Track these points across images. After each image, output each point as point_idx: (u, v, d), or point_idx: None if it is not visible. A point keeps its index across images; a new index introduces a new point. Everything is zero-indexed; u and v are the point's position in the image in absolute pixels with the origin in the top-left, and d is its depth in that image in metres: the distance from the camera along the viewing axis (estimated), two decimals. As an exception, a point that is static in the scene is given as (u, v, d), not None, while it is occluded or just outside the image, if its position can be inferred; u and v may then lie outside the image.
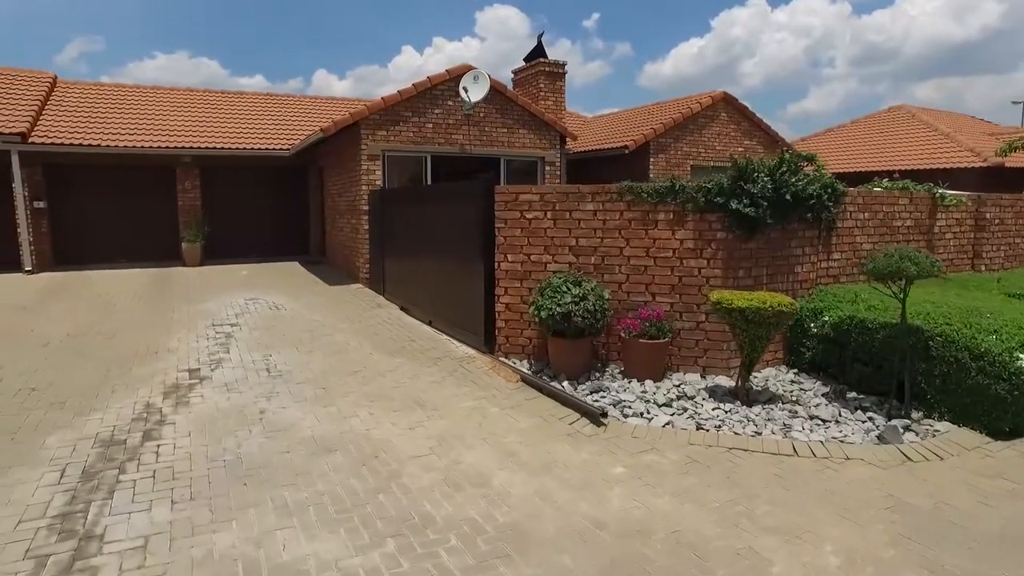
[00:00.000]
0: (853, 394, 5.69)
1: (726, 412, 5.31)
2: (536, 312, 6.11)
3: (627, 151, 15.09)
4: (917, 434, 4.86)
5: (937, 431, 4.90)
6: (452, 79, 11.95)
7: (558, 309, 5.88)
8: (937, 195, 7.99)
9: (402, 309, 9.42)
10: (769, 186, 6.06)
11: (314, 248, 16.65)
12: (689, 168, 15.84)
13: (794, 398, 5.65)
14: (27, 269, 13.32)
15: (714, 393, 5.74)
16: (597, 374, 6.21)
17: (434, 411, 5.29)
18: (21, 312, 9.23)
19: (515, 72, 16.31)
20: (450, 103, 12.08)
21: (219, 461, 4.29)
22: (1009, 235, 9.04)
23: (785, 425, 5.04)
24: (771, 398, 5.60)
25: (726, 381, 6.07)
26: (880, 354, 5.50)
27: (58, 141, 13.44)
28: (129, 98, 16.70)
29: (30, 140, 13.16)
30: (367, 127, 11.40)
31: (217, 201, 15.77)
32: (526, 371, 6.29)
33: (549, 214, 6.59)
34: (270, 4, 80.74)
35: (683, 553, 3.28)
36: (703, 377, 6.20)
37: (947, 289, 6.78)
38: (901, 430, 4.85)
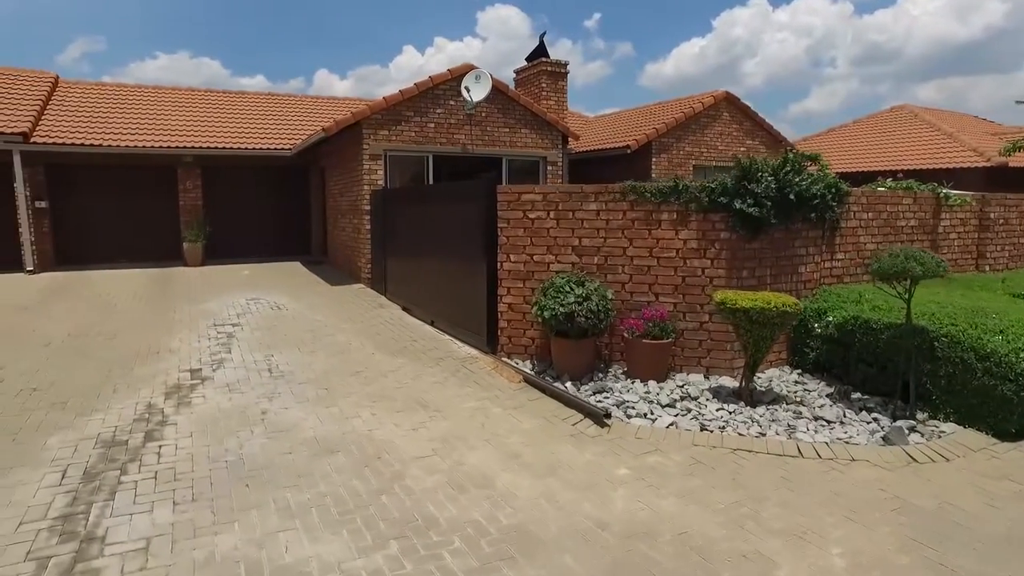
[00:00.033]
0: (857, 395, 5.67)
1: (730, 413, 5.28)
2: (539, 312, 6.09)
3: (629, 151, 15.07)
4: (922, 435, 4.83)
5: (943, 432, 4.87)
6: (454, 79, 11.93)
7: (561, 309, 5.86)
8: (941, 195, 7.96)
9: (404, 309, 9.40)
10: (773, 186, 6.03)
11: (316, 248, 16.64)
12: (691, 168, 15.81)
13: (798, 399, 5.62)
14: (29, 269, 13.31)
15: (718, 394, 5.71)
16: (600, 375, 6.19)
17: (437, 412, 5.27)
18: (23, 312, 9.22)
19: (517, 72, 16.27)
20: (452, 103, 12.06)
21: (221, 462, 4.27)
22: (1014, 235, 9.01)
23: (789, 426, 5.02)
24: (775, 399, 5.58)
25: (730, 382, 6.05)
26: (885, 355, 5.47)
27: (60, 141, 13.44)
28: (131, 98, 16.70)
29: (32, 140, 13.15)
30: (369, 127, 11.38)
31: (219, 201, 15.75)
32: (529, 371, 6.27)
33: (552, 214, 6.56)
34: (271, 4, 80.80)
35: (688, 555, 3.26)
36: (706, 378, 6.18)
37: (952, 289, 6.75)
38: (906, 431, 4.82)
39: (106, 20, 77.00)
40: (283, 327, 8.25)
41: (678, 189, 6.17)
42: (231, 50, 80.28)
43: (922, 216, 7.84)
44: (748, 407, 5.38)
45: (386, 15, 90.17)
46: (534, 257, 6.65)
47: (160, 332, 7.96)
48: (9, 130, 12.87)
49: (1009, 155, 13.17)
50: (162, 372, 6.29)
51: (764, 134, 16.94)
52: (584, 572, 3.11)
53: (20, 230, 13.31)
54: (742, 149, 16.24)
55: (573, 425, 5.02)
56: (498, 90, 12.37)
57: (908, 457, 4.42)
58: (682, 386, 5.89)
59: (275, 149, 15.47)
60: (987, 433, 4.77)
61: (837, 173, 9.76)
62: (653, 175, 15.03)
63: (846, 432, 4.91)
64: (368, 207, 11.45)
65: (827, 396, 5.71)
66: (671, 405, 5.44)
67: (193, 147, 14.74)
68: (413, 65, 71.76)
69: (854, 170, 17.48)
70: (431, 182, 12.19)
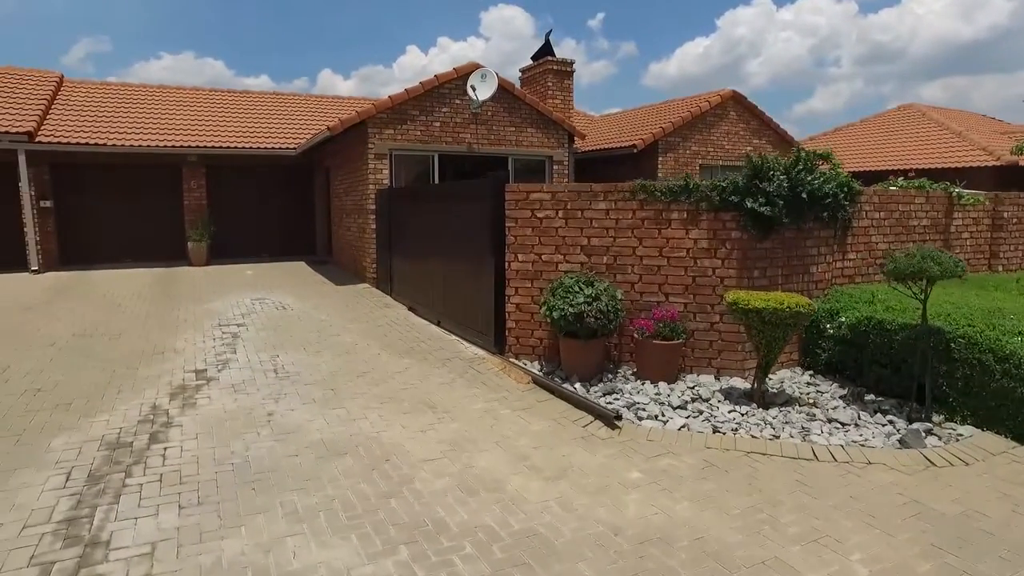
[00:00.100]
0: (871, 396, 5.58)
1: (742, 415, 5.20)
2: (548, 312, 6.01)
3: (635, 150, 14.98)
4: (940, 438, 4.74)
5: (960, 435, 4.77)
6: (460, 78, 11.86)
7: (570, 309, 5.78)
8: (954, 194, 7.86)
9: (410, 309, 9.33)
10: (785, 185, 5.95)
11: (320, 248, 16.59)
12: (698, 167, 15.71)
13: (811, 400, 5.54)
14: (33, 269, 13.29)
15: (729, 395, 5.63)
16: (609, 375, 6.11)
17: (445, 413, 5.20)
18: (27, 312, 9.18)
19: (523, 71, 16.20)
20: (457, 102, 11.99)
21: (227, 464, 4.20)
22: (1028, 235, 8.89)
23: (803, 428, 4.93)
24: (787, 400, 5.49)
25: (741, 383, 5.96)
26: (899, 356, 5.38)
27: (64, 140, 13.41)
28: (135, 97, 16.68)
29: (37, 139, 13.13)
30: (374, 126, 11.32)
31: (223, 200, 15.71)
32: (537, 372, 6.19)
33: (560, 213, 6.49)
34: (275, 4, 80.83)
35: (705, 562, 3.18)
36: (717, 379, 6.10)
37: (966, 289, 6.65)
38: (923, 434, 4.73)
39: (110, 21, 77.20)
40: (288, 327, 8.19)
41: (689, 188, 6.09)
42: (235, 50, 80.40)
43: (934, 215, 7.74)
44: (760, 409, 5.30)
45: (390, 15, 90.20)
46: (542, 257, 6.58)
47: (165, 332, 7.91)
48: (14, 129, 12.85)
49: (1020, 154, 13.05)
50: (167, 373, 6.23)
51: (771, 133, 16.83)
52: (599, 579, 3.04)
53: (25, 230, 13.29)
54: (749, 148, 16.12)
55: (583, 427, 4.94)
56: (504, 89, 12.30)
57: (926, 461, 4.34)
58: (693, 387, 5.81)
59: (280, 148, 15.42)
60: (1006, 436, 4.67)
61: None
62: (660, 175, 14.94)
63: (861, 435, 4.82)
64: (373, 207, 11.39)
65: (840, 398, 5.62)
66: (682, 407, 5.36)
67: (198, 146, 14.71)
68: (417, 65, 71.75)
69: (861, 169, 17.36)
70: (436, 181, 12.13)
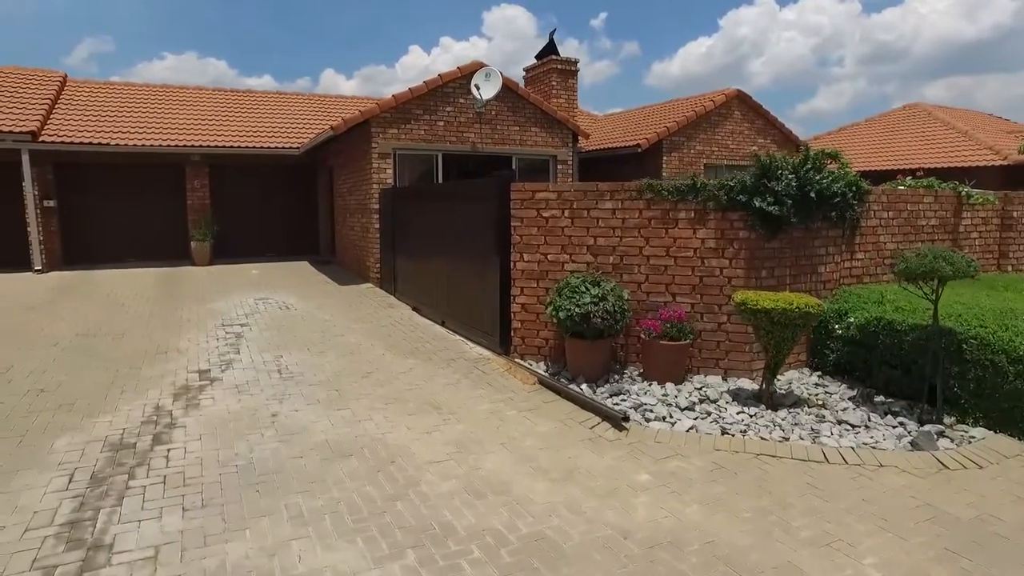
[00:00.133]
0: (880, 398, 5.52)
1: (751, 416, 5.15)
2: (554, 313, 5.96)
3: (640, 150, 14.92)
4: (952, 440, 4.68)
5: (973, 437, 4.71)
6: (464, 76, 11.81)
7: (577, 310, 5.73)
8: (963, 193, 7.80)
9: (414, 309, 9.29)
10: (794, 184, 5.89)
11: (324, 247, 16.56)
12: (703, 167, 15.64)
13: (820, 402, 5.48)
14: (37, 268, 13.28)
15: (737, 396, 5.57)
16: (616, 376, 6.06)
17: (450, 414, 5.15)
18: (31, 311, 9.16)
19: (527, 70, 16.15)
20: (462, 101, 11.95)
21: (231, 466, 4.16)
22: (1037, 235, 8.81)
23: (813, 430, 4.88)
24: (796, 402, 5.44)
25: (748, 384, 5.91)
26: (909, 357, 5.32)
27: (68, 140, 13.39)
28: (138, 97, 16.66)
29: (40, 139, 13.11)
30: (378, 125, 11.28)
31: (226, 200, 15.69)
32: (543, 373, 6.14)
33: (567, 212, 6.44)
34: (277, 5, 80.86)
35: (716, 566, 3.12)
36: (724, 380, 6.04)
37: (976, 290, 6.58)
38: (935, 436, 4.67)
39: (113, 21, 77.33)
40: (292, 327, 8.16)
41: (696, 187, 6.04)
42: (238, 50, 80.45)
43: (943, 215, 7.68)
44: (769, 410, 5.25)
45: (392, 15, 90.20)
46: (548, 256, 6.53)
47: (168, 332, 7.88)
48: (18, 129, 12.84)
49: (1028, 153, 12.95)
50: (170, 373, 6.19)
51: (776, 132, 16.76)
52: (609, 584, 2.99)
53: (28, 229, 13.27)
54: (754, 148, 16.06)
55: (590, 428, 4.89)
56: (508, 88, 12.25)
57: (938, 463, 4.28)
58: (700, 388, 5.76)
59: (283, 148, 15.39)
60: (1020, 439, 4.61)
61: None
62: (664, 174, 14.88)
63: (872, 437, 4.76)
64: (377, 206, 11.35)
65: (849, 399, 5.56)
66: (690, 408, 5.31)
67: (201, 146, 14.68)
68: (419, 65, 71.71)
69: (867, 169, 17.26)
70: (440, 181, 12.09)
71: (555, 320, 6.01)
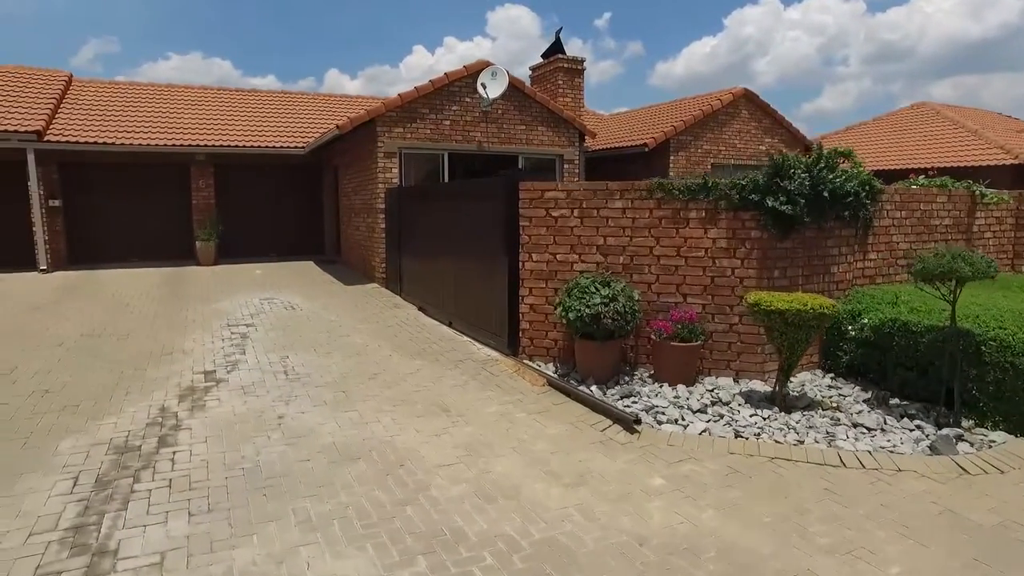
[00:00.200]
0: (896, 400, 5.43)
1: (764, 419, 5.06)
2: (563, 313, 5.88)
3: (647, 149, 14.83)
4: (972, 444, 4.59)
5: (992, 442, 4.62)
6: (470, 75, 11.74)
7: (587, 310, 5.65)
8: (977, 192, 7.69)
9: (420, 309, 9.22)
10: (807, 183, 5.81)
11: (329, 247, 16.51)
12: (710, 166, 15.54)
13: (835, 404, 5.39)
14: (42, 268, 13.26)
15: (750, 398, 5.49)
16: (626, 378, 5.97)
17: (459, 417, 5.08)
18: (36, 311, 9.12)
19: (533, 69, 16.05)
20: (468, 100, 11.87)
21: (237, 469, 4.10)
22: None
23: (828, 433, 4.79)
24: (810, 404, 5.35)
25: (760, 386, 5.82)
26: (926, 359, 5.23)
27: (73, 139, 13.37)
28: (143, 97, 16.64)
29: (46, 139, 13.10)
30: (383, 124, 11.21)
31: (231, 200, 15.66)
32: (552, 374, 6.06)
33: (576, 212, 6.36)
34: (281, 5, 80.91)
35: (735, 575, 3.04)
36: (736, 381, 5.96)
37: (992, 291, 6.47)
38: (954, 440, 4.58)
39: (119, 22, 77.50)
40: (298, 328, 8.10)
41: (707, 186, 5.95)
42: (242, 51, 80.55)
43: (956, 215, 7.57)
44: (783, 413, 5.16)
45: (396, 15, 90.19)
46: (557, 256, 6.45)
47: (173, 332, 7.83)
48: (23, 128, 12.82)
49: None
50: (176, 374, 6.14)
51: (783, 131, 16.64)
52: (625, 593, 2.91)
53: (34, 229, 13.26)
54: (761, 147, 15.95)
55: (601, 431, 4.81)
56: (514, 87, 12.17)
57: (958, 468, 4.19)
58: (712, 390, 5.67)
59: (288, 147, 15.35)
60: (1041, 443, 4.52)
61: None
62: (671, 173, 14.78)
63: (888, 440, 4.67)
64: (383, 206, 11.29)
65: (864, 402, 5.47)
66: (702, 411, 5.22)
67: (206, 145, 14.65)
68: (423, 65, 71.67)
69: (876, 168, 17.11)
70: (446, 180, 12.02)
71: (564, 321, 5.93)
